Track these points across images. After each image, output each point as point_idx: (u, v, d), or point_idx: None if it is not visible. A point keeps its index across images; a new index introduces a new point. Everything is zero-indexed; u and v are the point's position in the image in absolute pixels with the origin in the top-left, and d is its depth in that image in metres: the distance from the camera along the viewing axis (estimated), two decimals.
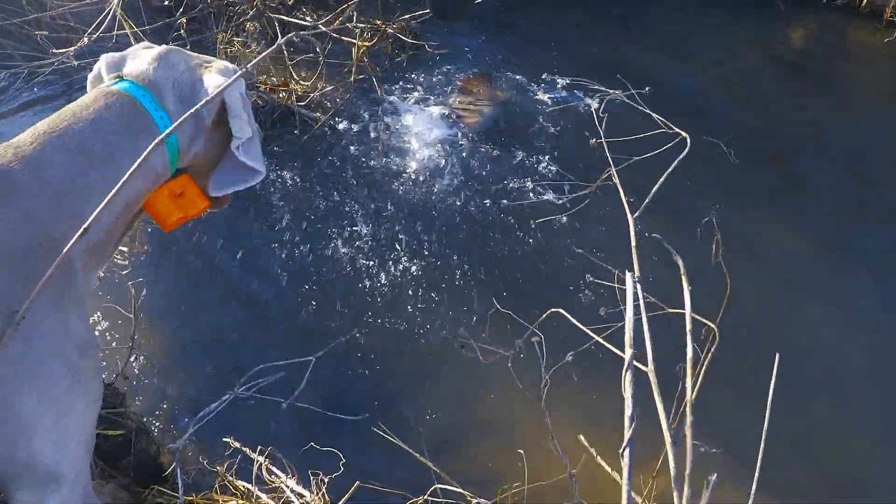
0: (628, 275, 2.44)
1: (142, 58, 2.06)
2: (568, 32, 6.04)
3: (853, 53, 6.26)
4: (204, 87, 2.05)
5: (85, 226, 1.54)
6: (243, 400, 2.56)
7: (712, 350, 2.49)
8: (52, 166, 1.79)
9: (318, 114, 5.15)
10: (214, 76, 2.08)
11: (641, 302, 2.40)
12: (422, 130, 5.16)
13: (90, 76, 2.17)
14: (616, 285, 3.02)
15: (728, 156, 3.78)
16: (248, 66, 2.40)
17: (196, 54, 2.17)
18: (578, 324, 2.73)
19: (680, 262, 2.48)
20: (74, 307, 1.75)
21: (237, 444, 2.47)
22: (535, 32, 6.06)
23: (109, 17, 4.62)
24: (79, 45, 4.46)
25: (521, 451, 2.96)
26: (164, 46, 2.12)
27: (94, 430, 1.84)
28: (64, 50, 4.51)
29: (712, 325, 2.53)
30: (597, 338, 2.70)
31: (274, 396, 2.57)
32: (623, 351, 2.52)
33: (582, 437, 2.88)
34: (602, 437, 3.35)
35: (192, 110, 1.72)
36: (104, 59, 2.11)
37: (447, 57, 5.67)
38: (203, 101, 1.74)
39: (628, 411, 2.16)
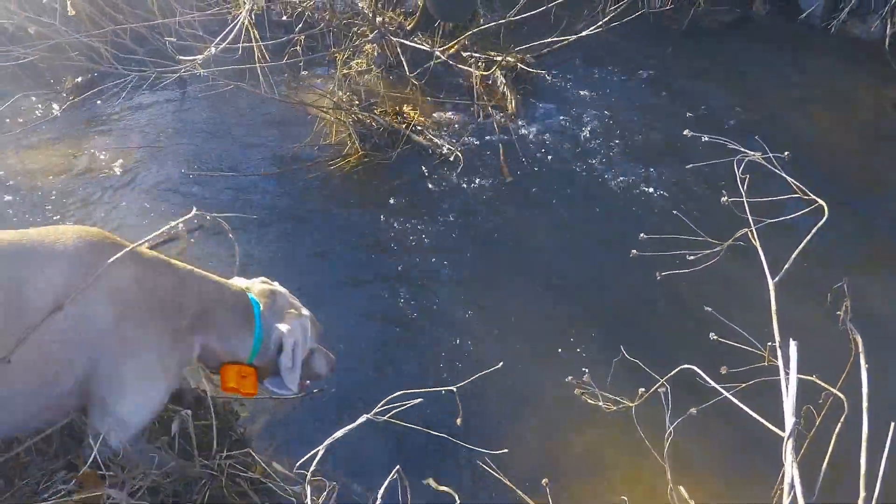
0: (792, 344, 2.37)
1: (260, 288, 2.97)
2: (677, 74, 5.99)
3: None
4: (281, 331, 2.85)
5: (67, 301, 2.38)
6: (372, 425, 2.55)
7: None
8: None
9: (438, 141, 5.16)
10: (286, 326, 2.87)
11: (794, 371, 2.35)
12: (543, 163, 5.13)
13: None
14: (744, 346, 2.97)
15: (865, 223, 3.69)
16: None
17: (293, 300, 3.04)
18: (711, 381, 2.67)
19: (859, 340, 2.41)
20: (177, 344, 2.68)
21: (439, 486, 2.46)
22: (649, 71, 6.00)
23: (234, 30, 4.68)
24: (206, 53, 4.50)
25: (625, 498, 2.91)
26: (277, 287, 3.03)
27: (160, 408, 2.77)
28: (192, 58, 4.56)
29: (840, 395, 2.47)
30: (729, 395, 2.63)
31: (406, 422, 2.55)
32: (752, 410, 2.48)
33: (682, 490, 2.82)
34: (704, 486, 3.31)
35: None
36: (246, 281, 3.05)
37: (563, 94, 5.64)
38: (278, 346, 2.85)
39: (788, 478, 2.10)
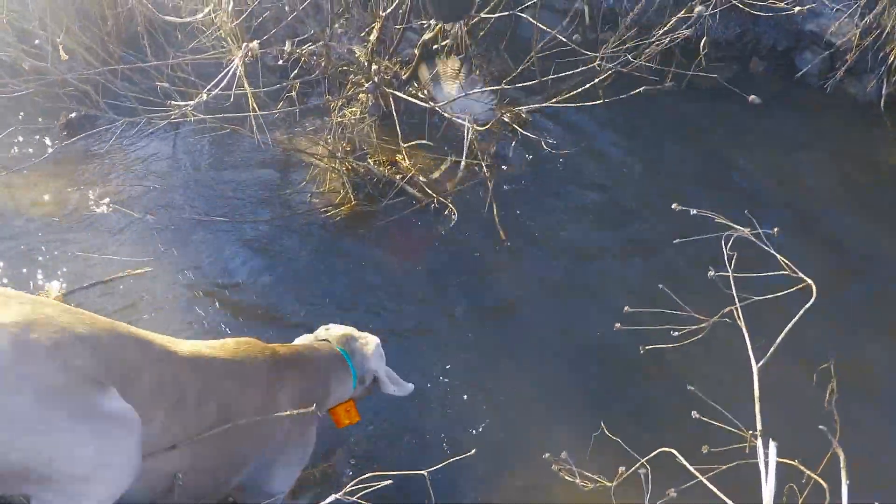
0: (772, 445, 2.34)
1: (335, 336, 3.39)
2: (673, 136, 5.98)
3: None
4: (368, 361, 3.35)
5: None
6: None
7: None
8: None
9: (432, 194, 5.15)
10: (373, 360, 3.36)
11: (772, 475, 2.31)
12: (536, 222, 5.10)
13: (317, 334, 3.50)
14: (726, 427, 2.93)
15: (858, 299, 3.64)
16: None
17: (353, 331, 3.47)
18: (689, 466, 2.64)
19: (841, 456, 2.39)
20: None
21: None
22: (654, 133, 5.98)
23: (228, 76, 4.65)
24: (197, 99, 4.47)
25: None
26: (342, 329, 3.46)
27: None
28: (184, 103, 4.53)
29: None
30: (704, 480, 2.60)
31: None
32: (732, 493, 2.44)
33: None
34: None
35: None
36: (322, 330, 3.49)
37: (556, 155, 5.61)
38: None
39: None
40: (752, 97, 4.50)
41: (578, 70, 5.10)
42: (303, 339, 3.42)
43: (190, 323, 4.43)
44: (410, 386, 3.48)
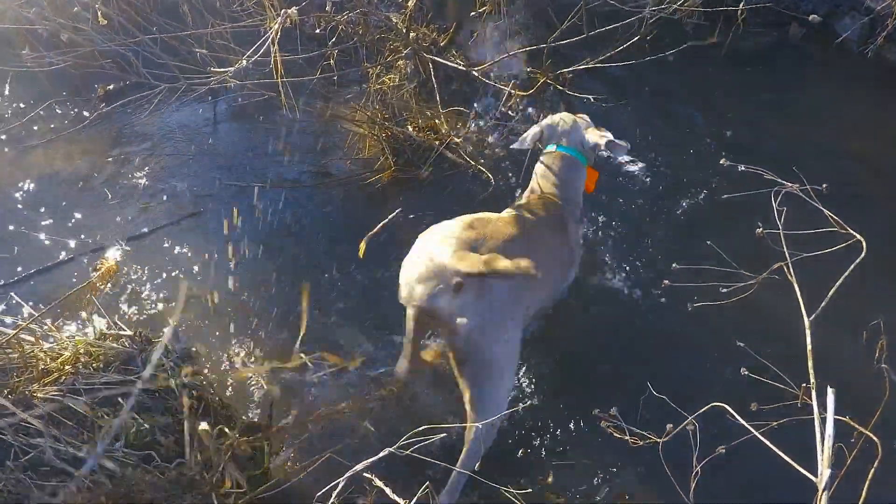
0: (830, 393, 2.32)
1: (562, 126, 4.11)
2: (715, 99, 5.92)
3: None
4: (589, 138, 4.04)
5: None
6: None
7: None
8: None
9: (471, 160, 5.13)
10: (594, 134, 4.03)
11: (830, 422, 2.29)
12: None
13: (533, 133, 4.18)
14: (776, 384, 2.91)
15: None
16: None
17: (569, 115, 4.16)
18: (743, 421, 2.62)
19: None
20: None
21: None
22: (686, 98, 5.92)
23: (267, 42, 4.65)
24: (237, 65, 4.48)
25: None
26: (565, 116, 4.15)
27: None
28: (223, 70, 4.54)
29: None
30: (758, 434, 2.58)
31: (429, 456, 2.52)
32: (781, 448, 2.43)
33: None
34: None
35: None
36: (544, 126, 4.18)
37: (598, 117, 5.57)
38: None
39: None
40: (812, 16, 4.61)
41: (620, 24, 5.12)
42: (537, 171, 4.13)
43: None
44: (626, 144, 4.01)
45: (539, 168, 4.10)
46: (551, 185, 4.00)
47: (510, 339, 3.24)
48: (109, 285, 4.48)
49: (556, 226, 3.85)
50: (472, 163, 5.09)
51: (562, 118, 4.14)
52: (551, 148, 4.07)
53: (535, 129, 4.17)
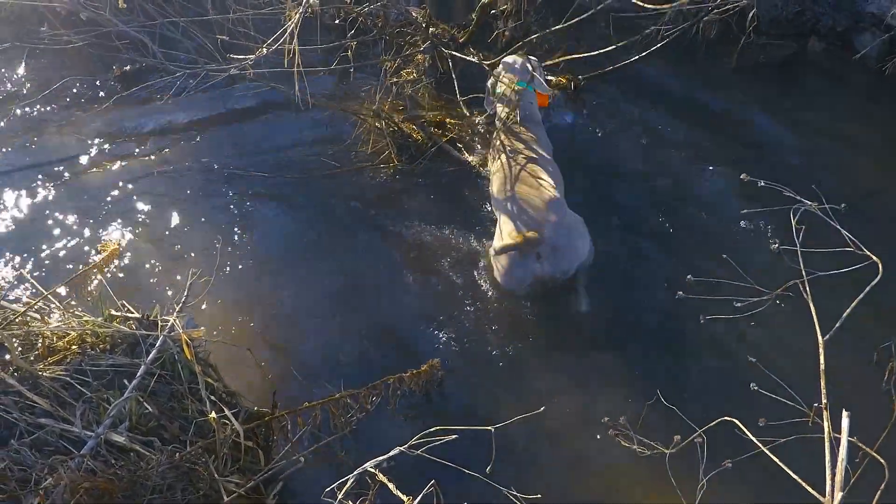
0: (845, 416, 2.31)
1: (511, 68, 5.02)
2: (729, 111, 5.90)
3: None
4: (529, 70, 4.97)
5: None
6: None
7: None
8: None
9: (473, 159, 5.13)
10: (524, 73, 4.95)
11: (844, 445, 2.28)
12: (585, 192, 5.04)
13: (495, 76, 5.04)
14: (786, 400, 2.90)
15: None
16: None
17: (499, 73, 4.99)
18: (750, 435, 2.61)
19: None
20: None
21: None
22: (702, 105, 5.89)
23: (288, 32, 4.64)
24: (257, 54, 4.47)
25: None
26: (516, 58, 5.05)
27: None
28: (244, 57, 4.53)
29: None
30: (765, 450, 2.57)
31: (439, 458, 2.50)
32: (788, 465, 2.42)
33: None
34: None
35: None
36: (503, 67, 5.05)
37: (607, 123, 5.56)
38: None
39: None
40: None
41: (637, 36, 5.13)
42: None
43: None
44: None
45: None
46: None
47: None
48: (114, 266, 4.49)
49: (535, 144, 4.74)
50: (471, 161, 5.10)
51: (514, 58, 5.08)
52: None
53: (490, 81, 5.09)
